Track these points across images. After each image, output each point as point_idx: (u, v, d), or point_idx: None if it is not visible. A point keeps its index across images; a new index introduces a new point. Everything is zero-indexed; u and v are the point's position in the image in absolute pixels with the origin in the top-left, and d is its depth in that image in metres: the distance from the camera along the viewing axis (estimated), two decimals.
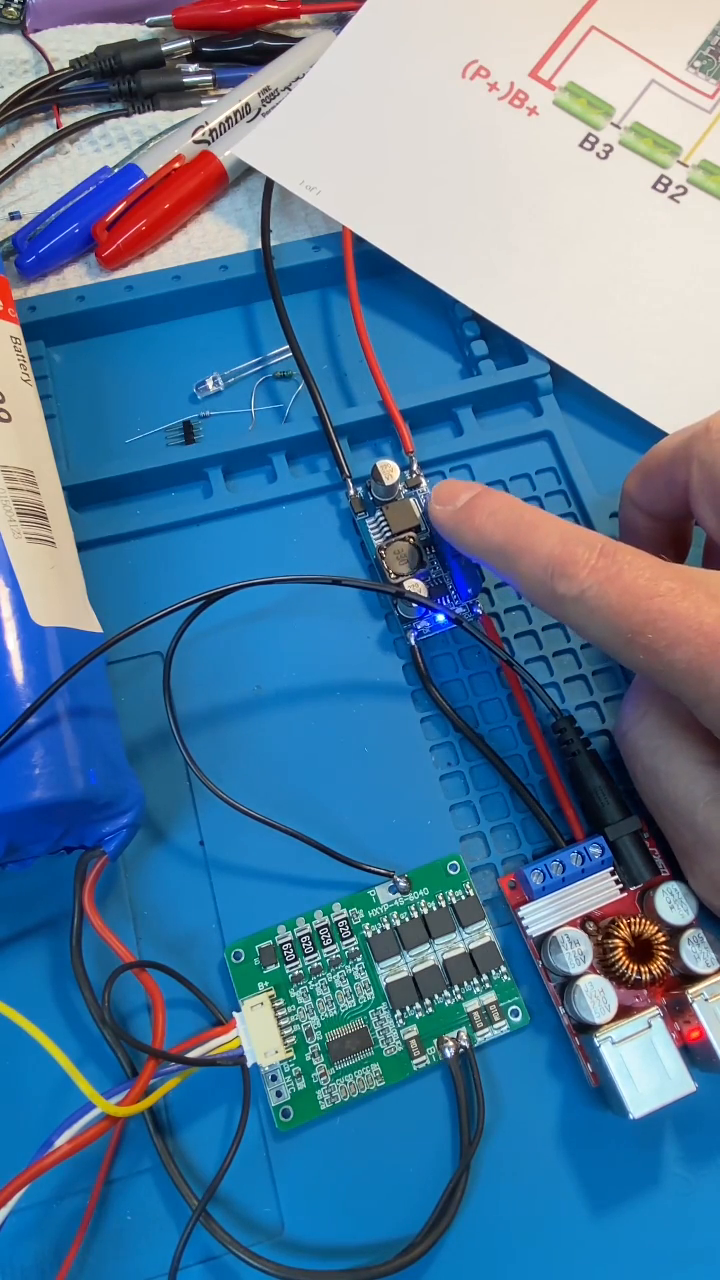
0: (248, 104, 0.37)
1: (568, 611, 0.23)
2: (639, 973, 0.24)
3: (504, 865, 0.27)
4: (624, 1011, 0.24)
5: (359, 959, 0.25)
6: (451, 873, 0.26)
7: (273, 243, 0.34)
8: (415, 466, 0.31)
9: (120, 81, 0.38)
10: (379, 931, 0.25)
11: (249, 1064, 0.23)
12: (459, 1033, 0.25)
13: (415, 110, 0.35)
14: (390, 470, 0.29)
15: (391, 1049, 0.24)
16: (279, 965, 0.25)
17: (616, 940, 0.24)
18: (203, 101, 0.39)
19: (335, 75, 0.36)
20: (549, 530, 0.24)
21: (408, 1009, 0.25)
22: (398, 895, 0.26)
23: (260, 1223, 0.23)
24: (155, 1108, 0.24)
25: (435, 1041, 0.24)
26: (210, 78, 0.39)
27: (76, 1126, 0.21)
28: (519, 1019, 0.25)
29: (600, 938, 0.25)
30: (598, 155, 0.35)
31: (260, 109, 0.38)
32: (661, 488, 0.26)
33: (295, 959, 0.25)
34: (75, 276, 0.36)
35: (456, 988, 0.25)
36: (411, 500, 0.30)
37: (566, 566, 0.23)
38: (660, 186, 0.35)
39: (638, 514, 0.28)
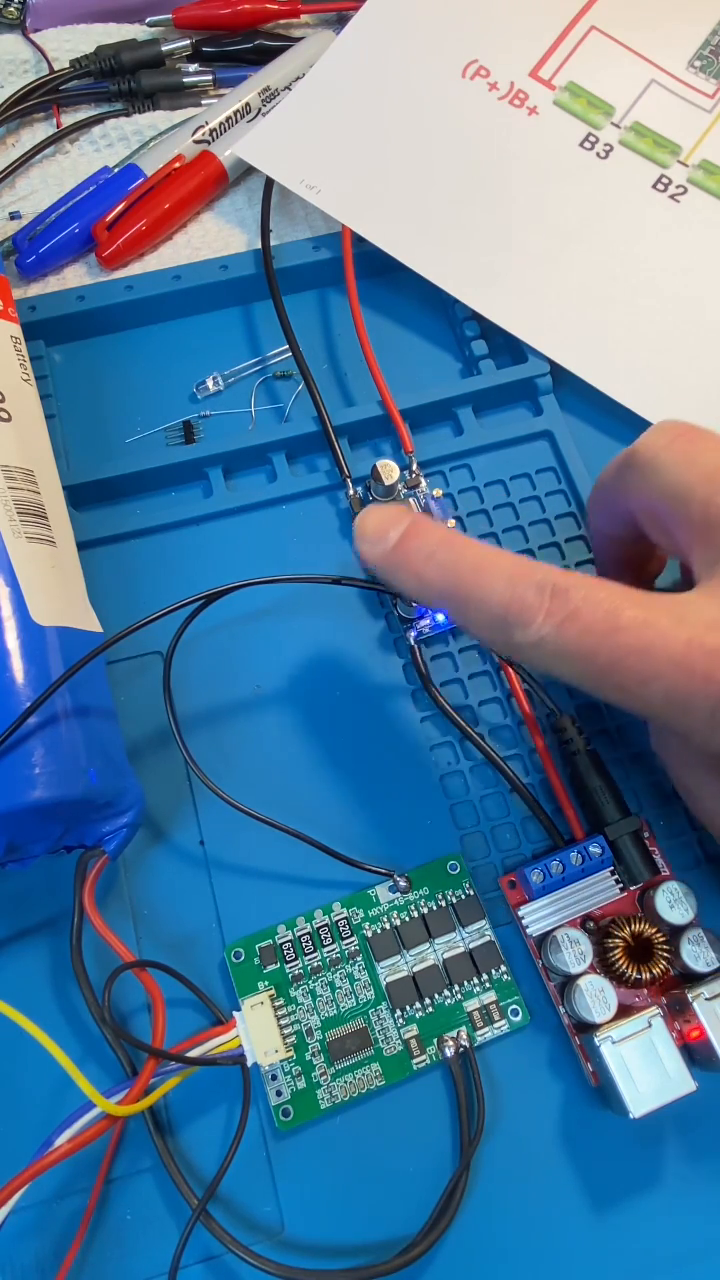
0: (248, 104, 0.37)
1: (531, 658, 0.22)
2: (639, 972, 0.24)
3: (504, 865, 0.27)
4: (624, 1011, 0.24)
5: (359, 958, 0.25)
6: (451, 872, 0.26)
7: (273, 242, 0.34)
8: (415, 466, 0.31)
9: (120, 81, 0.38)
10: (379, 931, 0.25)
11: (249, 1063, 0.23)
12: (459, 1032, 0.25)
13: (415, 110, 0.35)
14: (390, 470, 0.29)
15: (391, 1048, 0.24)
16: (279, 965, 0.25)
17: (616, 940, 0.24)
18: (203, 101, 0.39)
19: (335, 75, 0.36)
20: (495, 574, 0.22)
21: (408, 1008, 0.25)
22: (398, 895, 0.26)
23: (260, 1222, 0.23)
24: (155, 1107, 0.24)
25: (435, 1041, 0.24)
26: (210, 78, 0.39)
27: (76, 1126, 0.22)
28: (519, 1018, 0.25)
29: (600, 937, 0.25)
30: (598, 155, 0.35)
31: (260, 109, 0.38)
32: (614, 514, 0.26)
33: (295, 958, 0.25)
34: (75, 276, 0.36)
35: (456, 987, 0.25)
36: (411, 500, 0.30)
37: (519, 614, 0.21)
38: (660, 186, 0.35)
39: (604, 538, 0.27)
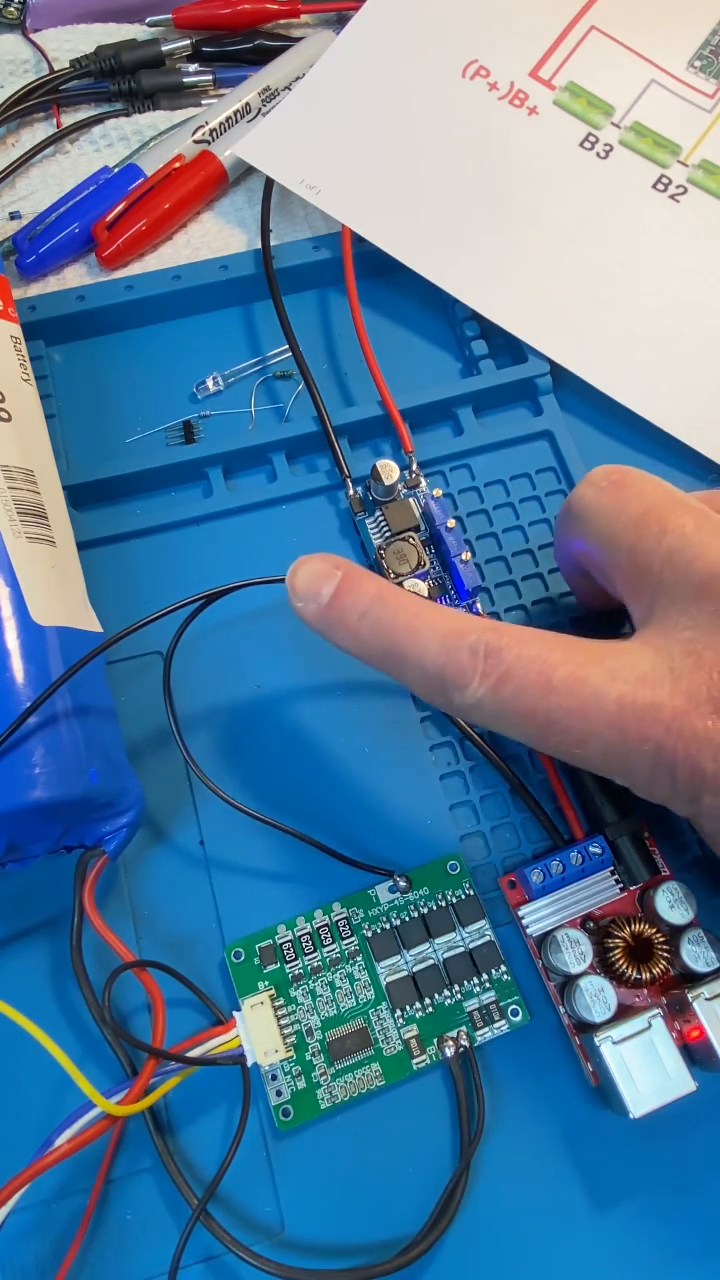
0: (248, 104, 0.37)
1: (472, 718, 0.22)
2: (639, 972, 0.24)
3: (504, 865, 0.27)
4: (624, 1011, 0.24)
5: (359, 958, 0.25)
6: (451, 872, 0.26)
7: (273, 242, 0.34)
8: (415, 466, 0.31)
9: (120, 81, 0.38)
10: (379, 931, 0.25)
11: (249, 1063, 0.23)
12: (459, 1032, 0.25)
13: (415, 110, 0.35)
14: (390, 470, 0.29)
15: (391, 1048, 0.24)
16: (279, 965, 0.25)
17: (616, 940, 0.24)
18: (203, 101, 0.39)
19: (335, 75, 0.36)
20: (429, 635, 0.22)
21: (408, 1008, 0.25)
22: (398, 895, 0.26)
23: (260, 1222, 0.23)
24: (155, 1107, 0.24)
25: (435, 1041, 0.24)
26: (210, 78, 0.39)
27: (76, 1126, 0.22)
28: (519, 1018, 0.25)
29: (600, 937, 0.25)
30: (598, 155, 0.35)
31: (260, 109, 0.38)
32: (566, 558, 0.26)
33: (295, 958, 0.25)
34: (75, 276, 0.36)
35: (456, 987, 0.25)
36: (411, 500, 0.30)
37: (454, 677, 0.21)
38: (660, 186, 0.35)
39: (568, 575, 0.27)
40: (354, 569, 0.23)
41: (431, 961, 0.25)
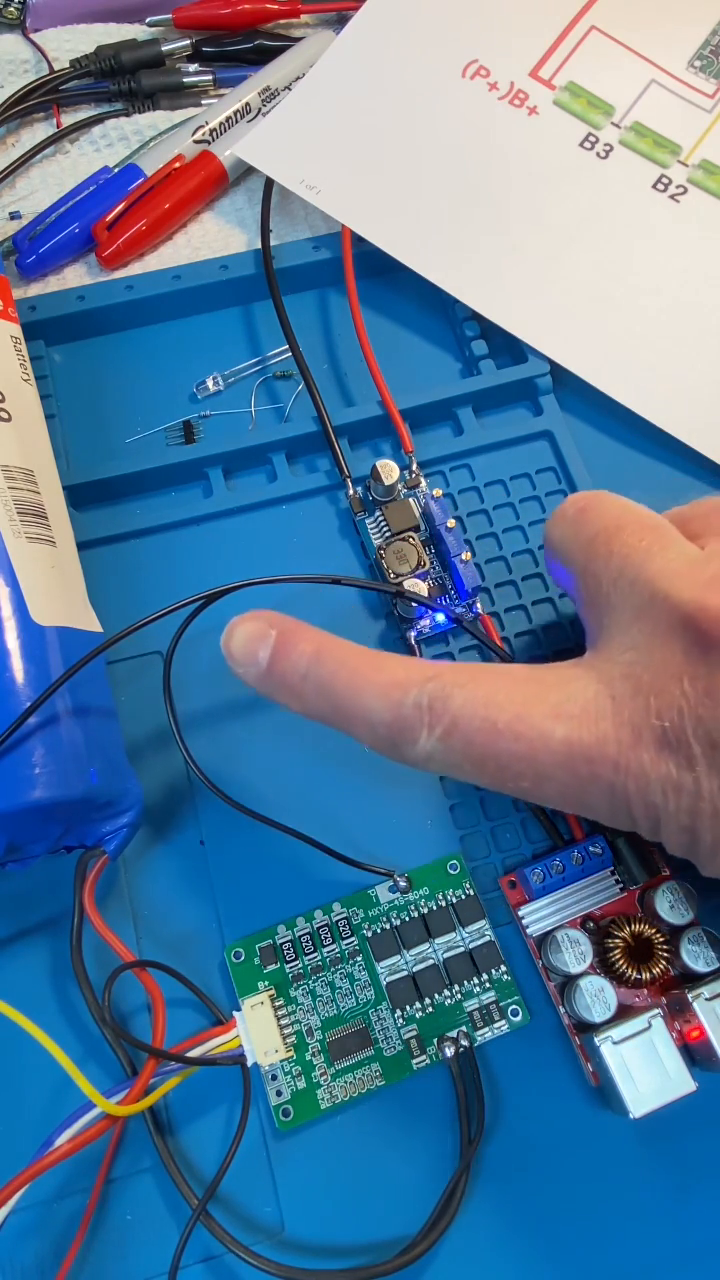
0: (248, 104, 0.37)
1: (428, 770, 0.22)
2: (639, 972, 0.24)
3: (504, 865, 0.27)
4: (624, 1011, 0.24)
5: (359, 958, 0.25)
6: (451, 872, 0.26)
7: (273, 242, 0.34)
8: (415, 466, 0.31)
9: (120, 81, 0.38)
10: (379, 931, 0.25)
11: (249, 1063, 0.23)
12: (459, 1032, 0.25)
13: (415, 110, 0.35)
14: (389, 470, 0.29)
15: (391, 1048, 0.24)
16: (279, 964, 0.25)
17: (616, 940, 0.24)
18: (203, 101, 0.39)
19: (335, 75, 0.36)
20: (371, 692, 0.21)
21: (408, 1008, 0.25)
22: (398, 895, 0.26)
23: (260, 1222, 0.23)
24: (155, 1107, 0.24)
25: (435, 1041, 0.24)
26: (210, 78, 0.39)
27: (77, 1126, 0.22)
28: (519, 1018, 0.25)
29: (600, 937, 0.25)
30: (598, 155, 0.35)
31: (260, 109, 0.38)
32: (557, 578, 0.26)
33: (295, 958, 0.25)
34: (75, 276, 0.36)
35: (456, 987, 0.25)
36: (411, 500, 0.30)
37: (402, 733, 0.21)
38: (660, 186, 0.35)
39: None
40: (289, 626, 0.22)
41: (431, 961, 0.25)
